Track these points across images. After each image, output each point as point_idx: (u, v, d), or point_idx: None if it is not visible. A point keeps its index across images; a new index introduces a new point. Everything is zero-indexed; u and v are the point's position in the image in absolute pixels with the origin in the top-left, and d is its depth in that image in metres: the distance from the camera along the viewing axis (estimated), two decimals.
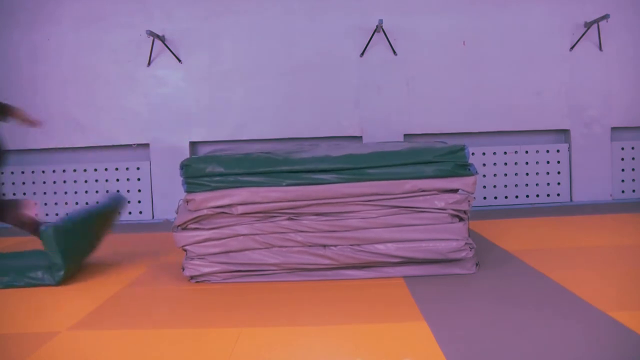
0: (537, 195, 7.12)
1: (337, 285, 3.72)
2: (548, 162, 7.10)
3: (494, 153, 7.09)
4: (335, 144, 4.94)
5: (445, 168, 3.82)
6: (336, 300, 3.41)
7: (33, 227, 4.23)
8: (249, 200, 3.78)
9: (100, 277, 4.19)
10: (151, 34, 6.77)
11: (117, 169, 7.21)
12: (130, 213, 7.21)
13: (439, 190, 3.80)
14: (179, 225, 3.90)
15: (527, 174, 7.11)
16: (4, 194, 4.30)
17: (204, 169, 3.86)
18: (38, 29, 7.17)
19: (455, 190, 3.85)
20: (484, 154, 7.07)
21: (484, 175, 7.09)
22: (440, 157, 3.84)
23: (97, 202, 4.80)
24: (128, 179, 7.23)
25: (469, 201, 3.81)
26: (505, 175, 7.10)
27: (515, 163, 7.09)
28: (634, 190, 7.12)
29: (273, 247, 3.83)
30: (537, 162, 7.09)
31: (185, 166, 3.91)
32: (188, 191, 3.89)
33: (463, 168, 3.86)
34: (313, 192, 3.78)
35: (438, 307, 3.16)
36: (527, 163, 7.10)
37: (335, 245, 3.79)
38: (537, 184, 7.10)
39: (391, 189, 3.78)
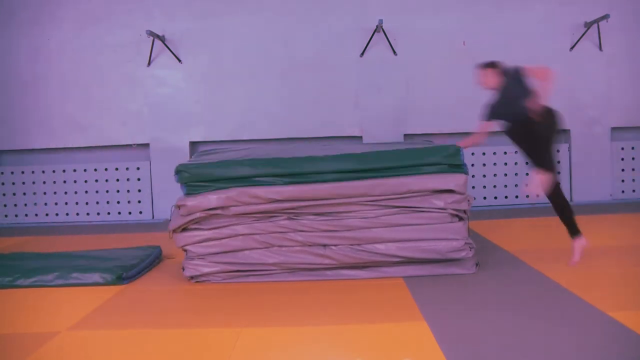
0: (537, 195, 7.09)
1: (337, 285, 3.72)
2: None
3: (494, 153, 7.08)
4: (323, 145, 4.95)
5: (442, 166, 3.85)
6: (336, 301, 3.41)
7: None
8: (239, 200, 3.79)
9: None
10: (151, 34, 6.77)
11: (117, 169, 7.21)
12: (130, 213, 7.21)
13: (432, 191, 3.79)
14: (173, 230, 3.91)
15: (527, 174, 7.10)
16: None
17: (201, 174, 3.86)
18: (39, 30, 7.17)
19: (449, 191, 3.82)
20: (484, 154, 7.07)
21: (484, 175, 7.09)
22: (443, 159, 3.86)
23: None
24: (128, 179, 7.23)
25: (468, 201, 3.81)
26: (505, 175, 7.10)
27: (515, 163, 7.08)
28: (634, 190, 7.12)
29: (273, 246, 3.83)
30: None
31: (180, 172, 3.91)
32: (187, 194, 3.90)
33: (458, 167, 3.89)
34: (306, 192, 3.78)
35: (438, 307, 3.16)
36: (527, 163, 7.07)
37: (335, 245, 3.78)
38: None
39: (383, 190, 3.78)
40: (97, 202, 7.23)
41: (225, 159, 4.06)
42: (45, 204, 7.28)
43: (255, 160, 3.91)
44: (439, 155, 3.88)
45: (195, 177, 3.87)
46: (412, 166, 3.85)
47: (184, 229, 3.89)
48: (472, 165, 7.06)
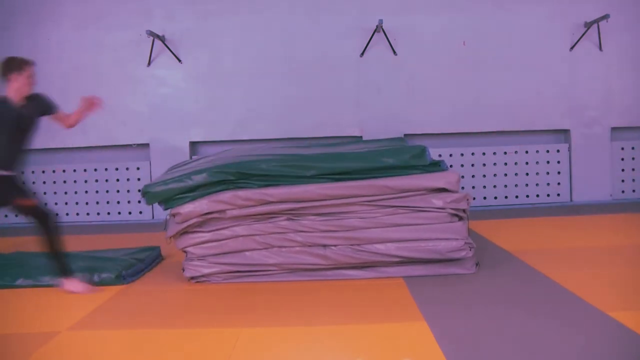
0: (537, 195, 7.11)
1: (337, 285, 3.72)
2: (548, 162, 7.10)
3: (494, 153, 7.08)
4: (297, 145, 4.95)
5: (417, 167, 3.86)
6: (336, 301, 3.40)
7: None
8: (232, 203, 3.79)
9: None
10: (151, 34, 6.77)
11: (117, 169, 7.21)
12: (130, 213, 7.21)
13: (424, 189, 3.78)
14: (171, 237, 3.92)
15: (527, 174, 7.11)
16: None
17: (169, 191, 3.86)
18: (38, 29, 7.17)
19: (441, 189, 3.82)
20: (484, 154, 7.07)
21: (484, 175, 7.08)
22: (409, 160, 3.84)
23: None
24: (128, 179, 7.22)
25: (467, 200, 3.80)
26: (505, 175, 7.10)
27: (515, 163, 7.08)
28: (634, 190, 7.12)
29: (273, 247, 3.83)
30: (537, 162, 7.09)
31: (146, 193, 3.92)
32: (167, 209, 3.93)
33: (435, 166, 3.90)
34: (296, 193, 3.79)
35: (438, 307, 3.16)
36: (527, 163, 7.09)
37: (335, 245, 3.78)
38: (537, 184, 7.10)
39: (372, 191, 3.78)
40: (97, 202, 7.23)
41: (186, 171, 4.05)
42: (45, 204, 7.26)
43: (208, 168, 3.91)
44: (403, 156, 3.85)
45: (160, 195, 3.88)
46: (374, 169, 3.83)
47: (185, 232, 3.89)
48: (472, 165, 7.07)
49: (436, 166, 3.91)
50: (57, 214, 3.93)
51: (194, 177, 3.86)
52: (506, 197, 7.10)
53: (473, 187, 7.01)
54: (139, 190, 4.03)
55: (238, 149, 5.15)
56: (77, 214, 7.27)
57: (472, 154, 7.07)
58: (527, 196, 7.11)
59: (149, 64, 7.10)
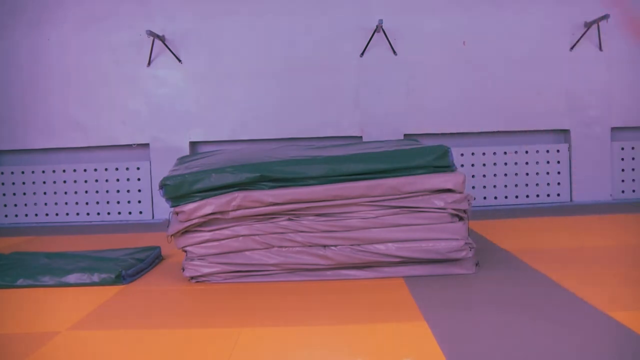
0: (537, 195, 7.11)
1: (337, 285, 3.72)
2: (548, 162, 7.10)
3: (494, 153, 7.08)
4: (308, 146, 4.91)
5: (429, 168, 3.85)
6: (336, 301, 3.40)
7: None
8: (241, 205, 3.78)
9: None
10: (151, 34, 6.77)
11: (117, 169, 7.21)
12: (130, 213, 7.21)
13: (431, 191, 3.78)
14: (172, 235, 3.90)
15: (527, 174, 7.11)
16: None
17: (187, 187, 3.79)
18: (38, 30, 7.17)
19: (449, 190, 3.82)
20: (484, 154, 7.07)
21: (484, 175, 7.09)
22: (431, 160, 3.84)
23: None
24: (128, 179, 7.23)
25: (468, 200, 3.81)
26: (505, 175, 7.10)
27: (515, 163, 7.09)
28: (634, 190, 7.12)
29: (273, 247, 3.82)
30: (537, 162, 7.09)
31: (165, 186, 3.84)
32: (173, 206, 3.87)
33: (447, 168, 3.89)
34: (306, 194, 3.78)
35: (438, 307, 3.15)
36: (527, 163, 7.10)
37: (335, 246, 3.78)
38: (537, 184, 7.10)
39: (379, 191, 3.77)
40: (97, 202, 7.23)
41: (207, 167, 3.97)
42: (45, 204, 7.28)
43: (237, 167, 3.85)
44: (428, 157, 3.85)
45: (181, 189, 3.79)
46: (400, 169, 3.82)
47: (185, 231, 3.88)
48: (472, 165, 7.07)
49: (447, 167, 3.90)
50: None
51: (214, 175, 3.79)
52: (506, 197, 7.10)
53: (473, 187, 7.01)
54: (160, 185, 3.89)
55: (248, 148, 5.13)
56: (77, 214, 7.27)
57: (472, 154, 7.07)
58: (527, 196, 7.11)
59: (149, 64, 7.10)
